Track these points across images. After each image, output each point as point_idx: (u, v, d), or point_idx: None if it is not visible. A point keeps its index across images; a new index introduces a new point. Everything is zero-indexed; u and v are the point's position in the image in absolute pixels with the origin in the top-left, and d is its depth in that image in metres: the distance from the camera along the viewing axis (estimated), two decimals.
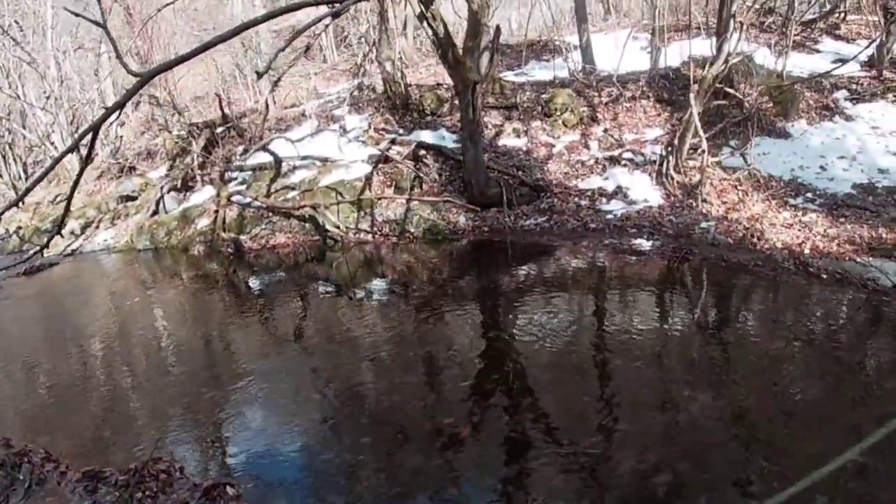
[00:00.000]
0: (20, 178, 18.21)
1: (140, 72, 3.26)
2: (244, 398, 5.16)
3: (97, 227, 12.35)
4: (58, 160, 3.76)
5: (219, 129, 12.09)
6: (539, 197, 9.62)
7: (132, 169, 13.31)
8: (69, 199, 3.76)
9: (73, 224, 13.08)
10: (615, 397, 4.60)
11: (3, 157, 18.41)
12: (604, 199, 9.46)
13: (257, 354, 6.24)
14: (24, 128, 18.33)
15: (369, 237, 9.43)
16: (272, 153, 10.64)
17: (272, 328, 7.08)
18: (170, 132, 12.84)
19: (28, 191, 3.81)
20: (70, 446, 4.65)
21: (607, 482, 3.60)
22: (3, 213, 3.39)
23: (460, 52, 8.70)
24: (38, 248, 4.03)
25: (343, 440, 4.35)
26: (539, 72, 13.08)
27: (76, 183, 3.72)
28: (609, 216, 9.04)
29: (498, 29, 9.34)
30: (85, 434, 4.92)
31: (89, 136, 3.00)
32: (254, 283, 9.10)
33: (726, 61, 8.95)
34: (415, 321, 6.56)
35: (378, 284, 8.12)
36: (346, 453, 4.17)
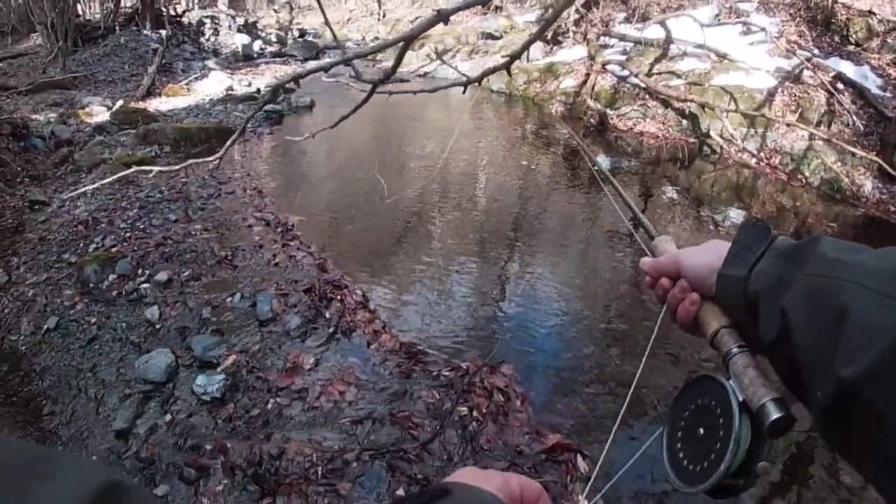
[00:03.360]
0: None
1: None
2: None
3: (453, 57, 12.55)
4: None
5: None
6: None
7: (499, 8, 13.11)
8: None
9: (427, 48, 13.46)
10: None
11: None
12: None
13: (556, 230, 5.77)
14: None
15: (752, 161, 8.14)
16: (666, 30, 9.48)
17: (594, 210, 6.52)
18: None
19: None
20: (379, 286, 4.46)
21: None
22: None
23: None
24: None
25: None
26: None
27: None
28: None
29: None
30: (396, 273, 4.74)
31: None
32: (602, 161, 8.49)
33: None
34: None
35: (734, 217, 6.96)
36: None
